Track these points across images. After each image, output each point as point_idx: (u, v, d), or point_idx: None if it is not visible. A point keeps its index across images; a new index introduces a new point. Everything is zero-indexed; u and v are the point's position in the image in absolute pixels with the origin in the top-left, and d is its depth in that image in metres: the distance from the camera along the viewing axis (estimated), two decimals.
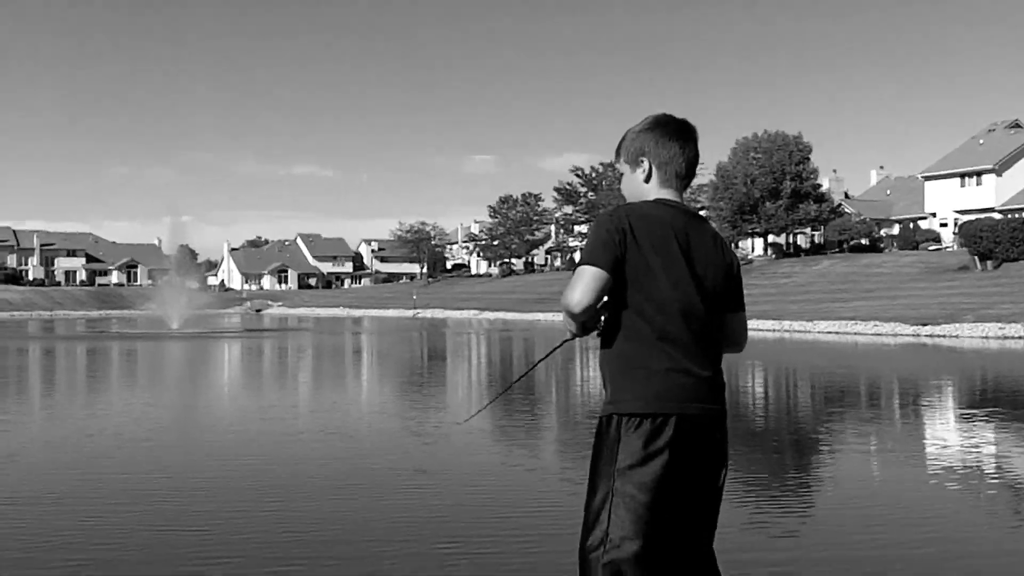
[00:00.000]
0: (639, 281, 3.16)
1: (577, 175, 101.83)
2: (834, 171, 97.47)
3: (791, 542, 7.32)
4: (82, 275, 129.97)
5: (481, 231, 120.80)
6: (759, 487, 9.50)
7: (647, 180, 3.37)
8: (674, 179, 3.37)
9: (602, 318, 3.26)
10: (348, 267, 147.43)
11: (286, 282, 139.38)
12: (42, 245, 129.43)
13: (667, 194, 3.35)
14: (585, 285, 3.11)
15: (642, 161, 3.38)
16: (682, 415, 3.14)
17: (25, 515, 8.19)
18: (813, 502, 9.02)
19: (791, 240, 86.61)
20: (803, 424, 14.90)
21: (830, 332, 44.20)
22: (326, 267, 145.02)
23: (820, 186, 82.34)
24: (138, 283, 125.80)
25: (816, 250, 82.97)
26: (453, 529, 7.54)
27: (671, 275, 3.17)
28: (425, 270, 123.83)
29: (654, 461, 3.11)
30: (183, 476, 9.90)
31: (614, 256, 3.14)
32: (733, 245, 78.05)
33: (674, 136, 3.38)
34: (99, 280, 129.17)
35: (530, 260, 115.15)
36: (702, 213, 3.86)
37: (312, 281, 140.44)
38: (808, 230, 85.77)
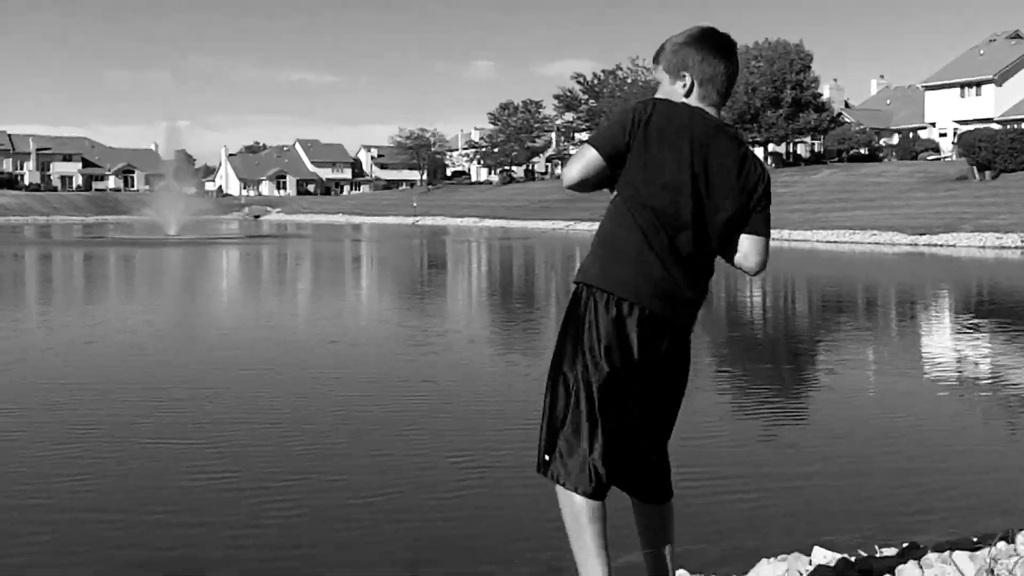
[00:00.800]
0: (636, 173, 3.17)
1: (578, 82, 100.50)
2: (834, 80, 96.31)
3: (808, 454, 7.44)
4: (78, 180, 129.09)
5: (481, 138, 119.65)
6: (770, 400, 9.63)
7: (688, 95, 3.32)
8: (715, 95, 3.31)
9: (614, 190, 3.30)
10: (347, 173, 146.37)
11: (284, 188, 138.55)
12: (38, 150, 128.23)
13: (705, 107, 3.32)
14: (580, 165, 3.19)
15: (684, 75, 3.31)
16: (642, 306, 3.17)
17: (25, 425, 8.29)
18: (825, 414, 9.14)
19: (791, 149, 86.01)
20: (807, 336, 15.02)
21: (829, 241, 44.27)
22: (325, 173, 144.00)
23: (820, 95, 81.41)
24: (135, 188, 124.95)
25: (816, 159, 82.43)
26: (462, 441, 7.66)
27: (665, 178, 3.16)
28: (425, 177, 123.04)
29: (614, 337, 3.16)
30: (185, 386, 9.99)
31: (616, 147, 3.17)
32: None
33: (718, 53, 3.31)
34: (95, 185, 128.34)
35: (530, 168, 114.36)
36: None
37: (311, 187, 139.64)
38: (808, 139, 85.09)
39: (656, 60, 3.41)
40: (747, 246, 3.33)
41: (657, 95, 3.38)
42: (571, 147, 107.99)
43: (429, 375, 10.53)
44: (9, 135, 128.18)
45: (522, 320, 16.33)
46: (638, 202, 3.18)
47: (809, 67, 78.35)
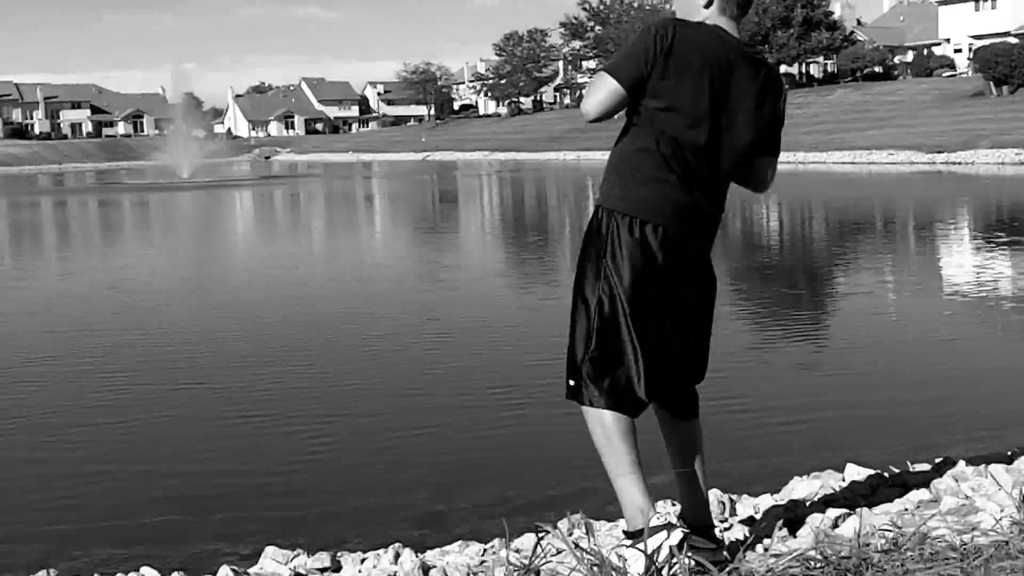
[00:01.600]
0: (656, 100, 3.14)
1: (584, 8, 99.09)
2: None
3: (834, 377, 7.50)
4: (88, 127, 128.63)
5: (487, 70, 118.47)
6: (795, 324, 9.67)
7: (707, 6, 3.26)
8: (734, 7, 3.26)
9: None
10: (354, 111, 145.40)
11: (293, 128, 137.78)
12: (46, 98, 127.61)
13: (724, 23, 3.25)
14: (600, 98, 3.13)
15: None
16: (666, 227, 3.18)
17: (53, 373, 8.40)
18: (850, 336, 9.17)
19: (803, 70, 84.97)
20: (828, 259, 15.00)
21: (845, 163, 43.91)
22: (332, 111, 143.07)
23: (832, 13, 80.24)
24: (145, 133, 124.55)
25: (829, 80, 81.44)
26: (494, 375, 7.74)
27: (686, 106, 3.15)
28: (432, 112, 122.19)
29: (639, 257, 3.16)
30: (215, 329, 10.11)
31: (639, 74, 3.11)
32: None
33: None
34: (105, 132, 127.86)
35: (538, 98, 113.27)
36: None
37: (319, 126, 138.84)
38: (820, 59, 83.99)
39: None
40: (761, 166, 3.36)
41: (674, 5, 3.35)
42: (579, 76, 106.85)
43: (458, 311, 10.59)
44: (16, 85, 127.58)
45: (546, 251, 16.35)
46: (657, 127, 3.18)
47: None
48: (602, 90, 3.14)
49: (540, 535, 3.47)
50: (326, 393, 7.26)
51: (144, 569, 3.95)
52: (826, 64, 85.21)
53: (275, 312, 10.87)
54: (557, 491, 5.08)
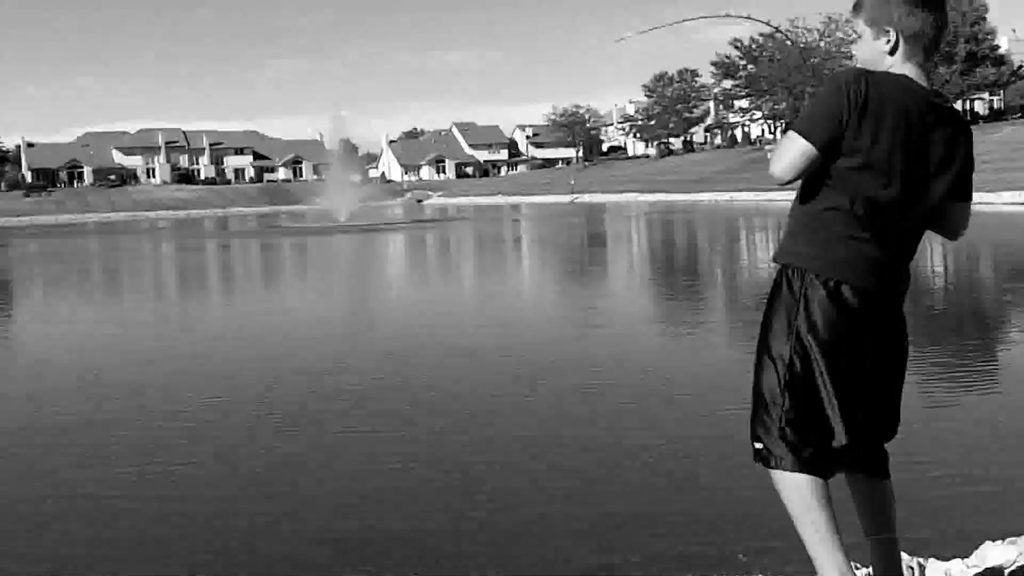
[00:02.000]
0: (852, 159, 3.02)
1: (736, 47, 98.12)
2: (1013, 30, 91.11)
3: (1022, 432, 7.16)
4: (250, 172, 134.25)
5: (637, 111, 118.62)
6: (975, 377, 9.28)
7: (892, 52, 3.12)
8: (921, 53, 3.13)
9: None
10: (503, 154, 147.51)
11: (444, 172, 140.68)
12: (211, 145, 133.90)
13: (911, 71, 3.11)
14: (791, 161, 3.02)
15: (888, 31, 3.11)
16: (864, 286, 3.07)
17: (209, 420, 8.71)
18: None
19: (968, 107, 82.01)
20: (1011, 310, 14.36)
21: (1016, 203, 42.01)
22: (482, 155, 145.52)
23: (998, 47, 77.31)
24: (303, 178, 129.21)
25: (996, 116, 78.32)
26: (655, 430, 7.68)
27: (883, 167, 3.04)
28: (581, 154, 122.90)
29: (833, 317, 3.05)
30: (358, 378, 10.31)
31: (832, 135, 2.99)
32: None
33: (928, 4, 3.10)
34: (267, 176, 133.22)
35: (689, 139, 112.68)
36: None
37: (469, 170, 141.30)
38: (986, 95, 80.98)
39: (856, 9, 3.22)
40: (954, 214, 3.25)
41: (855, 49, 3.23)
42: (730, 115, 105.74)
43: (619, 359, 10.56)
44: (184, 132, 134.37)
45: (706, 300, 16.16)
46: (851, 187, 3.09)
47: (984, 18, 74.42)
48: (793, 152, 3.03)
49: None
50: (488, 444, 7.31)
51: None
52: (992, 100, 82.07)
53: (426, 359, 11.02)
54: (734, 547, 4.97)
